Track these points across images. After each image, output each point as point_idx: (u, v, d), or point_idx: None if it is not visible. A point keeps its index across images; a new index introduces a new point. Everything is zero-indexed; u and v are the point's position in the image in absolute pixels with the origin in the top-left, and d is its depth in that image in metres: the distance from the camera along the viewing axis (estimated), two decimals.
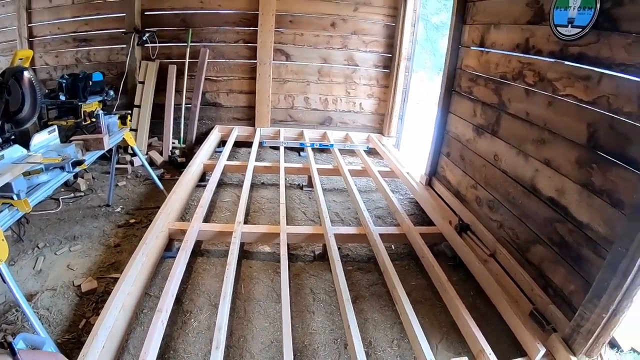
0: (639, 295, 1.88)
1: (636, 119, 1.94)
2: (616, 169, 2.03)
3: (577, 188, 2.27)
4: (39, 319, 2.31)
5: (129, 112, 3.96)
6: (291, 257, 3.19)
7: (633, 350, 2.48)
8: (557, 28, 2.42)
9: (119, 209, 3.90)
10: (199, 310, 2.60)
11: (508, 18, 3.01)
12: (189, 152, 5.43)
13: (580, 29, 2.25)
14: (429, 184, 4.26)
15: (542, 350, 2.15)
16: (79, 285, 2.77)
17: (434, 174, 4.24)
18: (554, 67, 2.51)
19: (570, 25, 2.32)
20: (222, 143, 5.67)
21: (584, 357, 2.11)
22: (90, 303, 2.63)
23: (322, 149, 5.87)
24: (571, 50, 2.36)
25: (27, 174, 2.33)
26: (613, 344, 2.46)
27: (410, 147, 6.50)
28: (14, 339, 1.86)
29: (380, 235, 3.23)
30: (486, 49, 3.31)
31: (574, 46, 2.33)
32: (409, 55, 5.77)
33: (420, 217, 4.03)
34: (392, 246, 3.48)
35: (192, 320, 2.51)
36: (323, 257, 3.24)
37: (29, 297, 2.61)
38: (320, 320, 2.59)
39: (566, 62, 2.41)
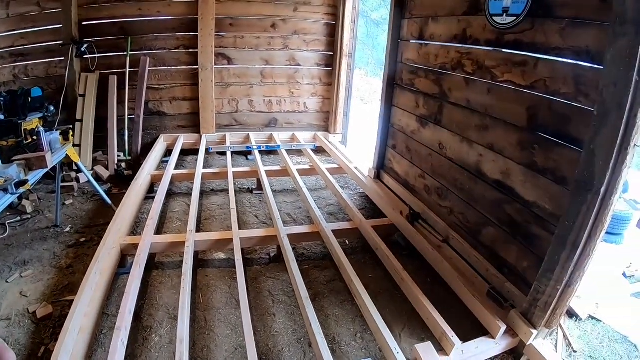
0: (589, 265, 1.97)
1: (573, 99, 2.03)
2: (557, 148, 2.12)
3: (522, 169, 2.36)
4: None
5: (71, 127, 3.76)
6: (247, 262, 3.13)
7: (591, 317, 2.61)
8: (493, 17, 2.51)
9: (68, 229, 3.68)
10: (159, 324, 2.50)
11: (445, 10, 3.10)
12: (135, 164, 5.19)
13: (515, 17, 2.33)
14: (378, 177, 4.32)
15: (503, 327, 2.22)
16: (34, 312, 2.59)
17: (381, 167, 4.30)
18: (491, 55, 2.60)
19: (505, 14, 2.41)
20: (169, 152, 5.48)
21: (544, 329, 2.19)
22: (47, 329, 2.47)
23: (270, 151, 5.81)
24: (507, 38, 2.45)
25: None
26: (572, 314, 2.58)
27: (357, 142, 6.56)
28: None
29: (333, 231, 3.23)
30: (425, 42, 3.39)
31: (510, 34, 2.42)
32: (350, 52, 5.82)
33: (372, 210, 4.07)
34: (346, 241, 3.49)
35: (153, 335, 2.41)
36: (278, 259, 3.20)
37: None
38: (282, 322, 2.55)
39: (503, 50, 2.51)
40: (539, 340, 2.21)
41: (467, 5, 2.81)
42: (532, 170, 2.29)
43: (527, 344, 2.21)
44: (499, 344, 2.23)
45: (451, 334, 2.17)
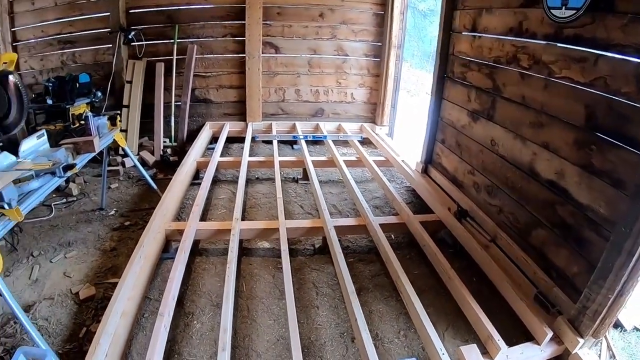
0: None
1: (634, 99, 1.93)
2: (616, 149, 2.03)
3: (577, 170, 2.27)
4: (38, 330, 2.27)
5: (118, 112, 3.90)
6: (291, 252, 3.14)
7: (636, 329, 2.50)
8: (551, 10, 2.40)
9: (112, 212, 3.85)
10: (201, 311, 2.58)
11: (500, 2, 2.99)
12: (180, 151, 5.37)
13: (575, 11, 2.23)
14: (425, 171, 4.26)
15: (550, 334, 2.16)
16: (77, 293, 2.72)
17: (429, 162, 4.23)
18: (548, 50, 2.50)
19: (564, 7, 2.30)
20: (214, 139, 5.63)
21: (590, 339, 2.12)
22: (89, 310, 2.59)
23: (316, 141, 5.84)
24: (566, 33, 2.35)
25: (17, 181, 2.27)
26: (617, 324, 2.48)
27: (404, 135, 6.48)
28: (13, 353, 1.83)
29: (380, 225, 3.22)
30: (478, 34, 3.29)
31: (569, 28, 2.32)
32: (399, 43, 5.73)
33: (418, 205, 4.03)
34: (392, 235, 3.48)
35: (195, 322, 2.49)
36: (323, 250, 3.23)
37: (27, 308, 2.57)
38: (325, 315, 2.58)
39: (561, 45, 2.40)
40: (584, 350, 2.14)
41: None
42: (587, 172, 2.20)
43: (572, 352, 2.15)
44: (544, 350, 2.18)
45: (497, 337, 2.13)
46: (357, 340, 2.25)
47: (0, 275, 1.98)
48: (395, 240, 3.44)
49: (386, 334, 2.44)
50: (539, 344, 2.19)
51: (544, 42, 2.54)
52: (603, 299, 1.98)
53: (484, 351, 2.17)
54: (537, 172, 2.60)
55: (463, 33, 3.54)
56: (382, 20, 5.70)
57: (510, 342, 2.20)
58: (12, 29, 5.53)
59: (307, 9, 5.60)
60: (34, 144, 2.71)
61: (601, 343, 2.30)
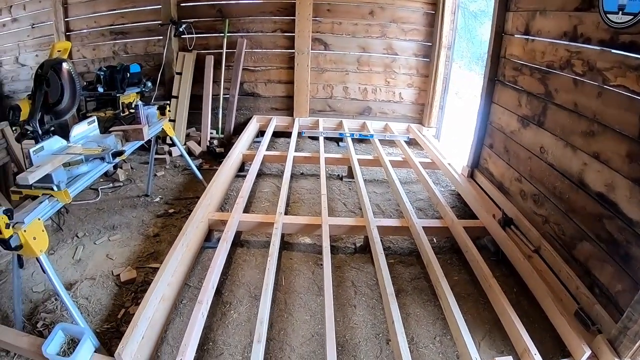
0: None
1: None
2: None
3: (628, 183, 2.19)
4: (78, 308, 2.35)
5: (168, 102, 4.02)
6: (332, 249, 3.16)
7: None
8: (607, 15, 2.31)
9: (157, 199, 3.99)
10: (238, 301, 2.64)
11: (554, 4, 2.90)
12: (227, 143, 5.52)
13: (632, 16, 2.14)
14: (471, 176, 4.19)
15: (588, 352, 2.10)
16: (118, 275, 2.83)
17: (476, 166, 4.16)
18: (603, 56, 2.41)
19: (621, 12, 2.22)
20: (261, 133, 5.76)
21: None
22: (129, 293, 2.70)
23: (362, 140, 5.85)
24: (622, 39, 2.26)
25: (67, 165, 2.36)
26: None
27: (451, 138, 6.38)
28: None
29: (424, 227, 3.20)
30: (531, 37, 3.20)
31: (625, 34, 2.23)
32: (449, 43, 5.63)
33: (462, 209, 3.97)
34: (434, 239, 3.46)
35: (232, 311, 2.56)
36: (364, 250, 3.25)
37: (69, 286, 2.69)
38: (361, 314, 2.60)
39: (617, 51, 2.31)
40: None
41: (580, 0, 2.62)
42: (639, 186, 2.12)
43: None
44: None
45: (534, 351, 2.09)
46: (392, 343, 2.26)
47: (44, 254, 2.06)
48: (437, 244, 3.42)
49: (421, 338, 2.44)
50: None
51: (599, 48, 2.45)
52: None
53: None
54: (587, 183, 2.52)
55: (515, 35, 3.45)
56: (433, 20, 5.61)
57: (547, 358, 2.15)
58: (66, 19, 5.87)
59: (357, 6, 5.60)
60: (84, 130, 2.80)
61: None
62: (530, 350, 2.11)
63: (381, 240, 3.07)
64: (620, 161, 2.26)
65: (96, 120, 2.95)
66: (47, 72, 2.86)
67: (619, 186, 2.25)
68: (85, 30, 5.92)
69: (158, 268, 2.52)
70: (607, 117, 2.38)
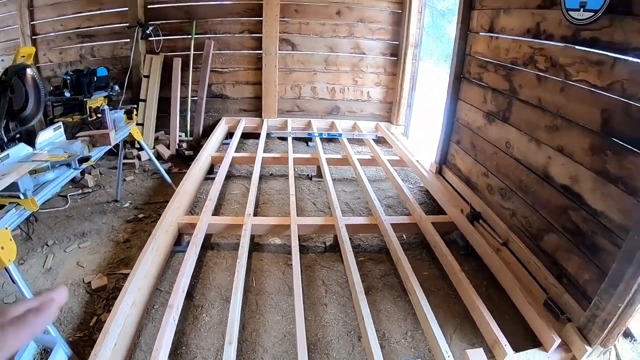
0: None
1: None
2: (632, 156, 1.99)
3: (592, 175, 2.24)
4: None
5: (135, 106, 3.96)
6: (302, 249, 3.18)
7: None
8: (569, 12, 2.36)
9: (127, 204, 3.91)
10: (210, 304, 2.61)
11: (518, 2, 2.95)
12: (196, 145, 5.44)
13: (593, 13, 2.19)
14: (439, 172, 4.23)
15: (557, 341, 2.14)
16: (89, 282, 2.77)
17: (444, 162, 4.21)
18: (566, 52, 2.46)
19: (582, 9, 2.27)
20: (230, 135, 5.67)
21: (598, 347, 2.09)
22: (100, 300, 2.64)
23: (330, 139, 5.85)
24: (583, 35, 2.31)
25: (33, 172, 2.31)
26: (627, 333, 2.42)
27: (419, 135, 6.45)
28: None
29: (392, 224, 3.20)
30: (496, 35, 3.25)
31: (587, 30, 2.28)
32: (416, 42, 5.69)
33: (431, 205, 4.01)
34: (404, 236, 3.47)
35: (204, 314, 2.52)
36: (334, 248, 3.23)
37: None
38: (333, 312, 2.59)
39: (579, 47, 2.36)
40: (591, 359, 2.11)
41: None
42: (602, 178, 2.16)
43: None
44: (551, 357, 2.15)
45: (504, 342, 2.11)
46: (363, 340, 2.25)
47: (13, 264, 2.01)
48: (407, 241, 3.44)
49: (393, 334, 2.43)
50: (546, 351, 2.17)
51: (562, 44, 2.50)
52: (613, 308, 1.95)
53: (491, 356, 2.16)
54: (552, 177, 2.57)
55: (480, 33, 3.51)
56: (400, 19, 5.67)
57: (518, 348, 2.17)
58: (32, 23, 5.67)
59: (325, 6, 5.60)
60: (50, 136, 2.76)
61: (610, 352, 2.26)
62: (500, 341, 2.12)
63: (351, 238, 3.07)
64: (584, 154, 2.31)
65: (62, 126, 2.90)
66: (11, 79, 2.79)
67: (583, 178, 2.30)
68: (51, 34, 5.73)
69: (129, 274, 2.46)
70: (570, 111, 2.43)
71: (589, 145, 2.27)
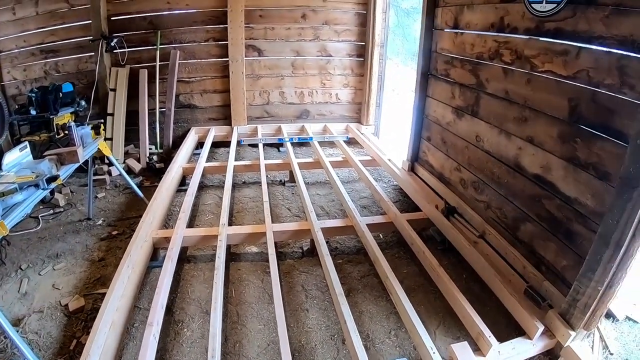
0: (632, 266, 1.89)
1: (617, 90, 1.94)
2: (600, 141, 2.03)
3: (562, 163, 2.27)
4: (29, 344, 2.24)
5: (102, 121, 3.83)
6: (279, 255, 3.14)
7: (628, 318, 2.50)
8: (532, 5, 2.40)
9: (100, 222, 3.78)
10: (190, 318, 2.54)
11: None
12: (167, 157, 5.31)
13: (556, 4, 2.23)
14: (412, 169, 4.25)
15: (541, 328, 2.16)
16: (66, 305, 2.66)
17: (416, 159, 4.23)
18: (530, 44, 2.50)
19: (544, 2, 2.31)
20: (200, 145, 5.57)
21: (582, 331, 2.12)
22: (79, 322, 2.53)
23: (302, 143, 5.80)
24: (547, 26, 2.35)
25: (0, 195, 2.24)
26: (608, 314, 2.48)
27: (390, 134, 6.49)
28: None
29: (368, 225, 3.20)
30: (461, 31, 3.29)
31: (550, 22, 2.32)
32: (382, 42, 5.73)
33: (406, 203, 4.02)
34: (381, 235, 3.46)
35: (185, 329, 2.45)
36: (312, 253, 3.20)
37: (17, 322, 2.51)
38: (315, 317, 2.55)
39: (543, 39, 2.40)
40: (576, 342, 2.14)
41: None
42: (573, 165, 2.20)
43: (565, 345, 2.14)
44: (536, 345, 2.17)
45: (488, 334, 2.12)
46: (347, 342, 2.22)
47: None
48: (384, 240, 3.43)
49: (377, 334, 2.41)
50: (530, 339, 2.18)
51: (526, 37, 2.54)
52: (593, 291, 1.98)
53: (476, 348, 2.16)
54: (523, 167, 2.60)
55: (445, 30, 3.54)
56: (365, 20, 5.69)
57: (502, 338, 2.18)
58: None
59: (290, 10, 5.57)
60: (16, 157, 2.68)
61: (593, 334, 2.30)
62: (484, 333, 2.13)
63: (327, 241, 3.05)
64: (553, 142, 2.34)
65: (28, 146, 2.82)
66: None
67: (554, 166, 2.34)
68: (15, 50, 5.47)
69: (106, 293, 2.37)
70: (538, 102, 2.47)
71: (558, 134, 2.31)
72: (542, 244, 2.45)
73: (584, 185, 2.13)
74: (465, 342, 2.10)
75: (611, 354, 2.26)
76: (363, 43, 5.83)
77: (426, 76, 3.89)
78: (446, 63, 3.53)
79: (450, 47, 3.46)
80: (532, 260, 2.53)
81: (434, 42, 3.74)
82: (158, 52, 5.40)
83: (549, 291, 2.33)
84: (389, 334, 2.41)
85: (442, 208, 3.36)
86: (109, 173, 4.75)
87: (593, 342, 2.28)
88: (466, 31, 3.22)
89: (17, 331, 2.30)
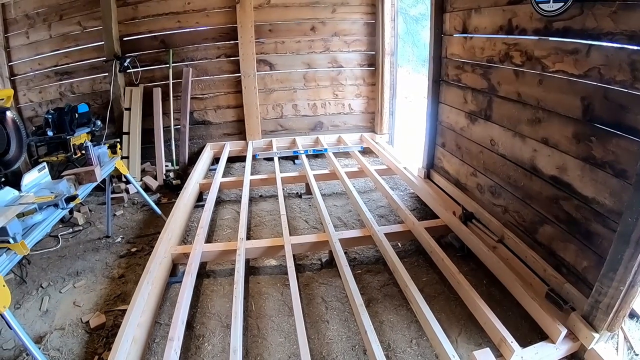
0: None
1: (629, 86, 1.91)
2: (616, 139, 2.00)
3: (579, 163, 2.24)
4: None
5: (118, 140, 3.92)
6: (298, 268, 3.14)
7: None
8: (539, 5, 2.39)
9: (119, 239, 3.84)
10: (211, 333, 2.55)
11: (487, 1, 2.99)
12: (183, 174, 5.39)
13: (563, 3, 2.22)
14: (428, 176, 4.23)
15: (564, 331, 2.11)
16: (87, 322, 2.70)
17: (431, 166, 4.21)
18: (540, 45, 2.49)
19: (552, 1, 2.29)
20: (216, 160, 5.65)
21: (605, 332, 2.07)
22: (100, 338, 2.57)
23: (317, 155, 5.82)
24: (556, 26, 2.34)
25: (21, 215, 2.28)
26: (632, 314, 2.42)
27: (405, 142, 6.47)
28: None
29: (386, 234, 3.18)
30: (469, 35, 3.29)
31: (558, 21, 2.31)
32: (392, 50, 5.75)
33: (423, 211, 3.99)
34: (399, 244, 3.44)
35: (206, 344, 2.46)
36: (330, 264, 3.19)
37: (38, 339, 2.55)
38: (335, 329, 2.54)
39: (552, 38, 2.39)
40: (600, 344, 2.09)
41: None
42: (589, 164, 2.17)
43: (589, 348, 2.09)
44: (559, 348, 2.13)
45: (510, 339, 2.08)
46: (368, 353, 2.20)
47: (8, 310, 1.97)
48: (402, 249, 3.41)
49: (398, 343, 2.39)
50: (553, 343, 2.14)
51: (535, 38, 2.53)
52: (615, 292, 1.94)
53: (498, 354, 2.12)
54: (539, 169, 2.57)
55: (454, 35, 3.54)
56: (374, 29, 5.72)
57: (525, 343, 2.15)
58: (9, 64, 5.61)
59: (299, 24, 5.63)
60: (35, 177, 2.73)
61: (617, 335, 2.25)
62: (506, 339, 2.10)
63: (346, 252, 3.05)
64: (568, 143, 2.32)
65: (46, 166, 2.87)
66: None
67: (571, 167, 2.31)
68: (30, 73, 5.67)
69: (127, 310, 2.39)
70: (551, 102, 2.44)
71: (572, 134, 2.28)
72: (561, 245, 2.41)
73: (601, 184, 2.10)
74: (488, 349, 2.06)
75: (636, 355, 2.20)
76: (373, 52, 5.86)
77: (438, 82, 3.89)
78: (457, 68, 3.53)
79: (460, 52, 3.46)
80: (552, 263, 2.49)
81: (443, 47, 3.75)
82: (171, 70, 5.50)
83: (571, 293, 2.29)
84: (410, 343, 2.39)
85: (459, 214, 3.33)
86: (127, 191, 4.83)
87: (617, 344, 2.22)
88: (475, 35, 3.21)
89: (39, 348, 2.35)
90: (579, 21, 2.17)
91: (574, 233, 2.30)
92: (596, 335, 2.06)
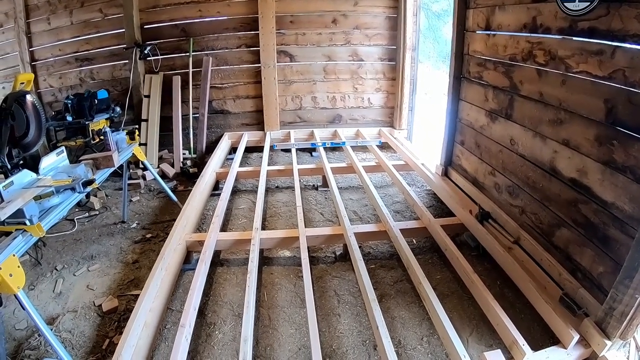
0: None
1: None
2: (638, 144, 1.96)
3: (599, 167, 2.21)
4: (62, 342, 2.33)
5: (137, 126, 3.96)
6: (312, 260, 3.16)
7: None
8: (564, 4, 2.35)
9: (134, 225, 3.91)
10: (222, 321, 2.59)
11: None
12: (200, 162, 5.44)
13: (589, 3, 2.17)
14: (445, 174, 4.20)
15: (576, 337, 2.09)
16: (100, 305, 2.76)
17: (449, 164, 4.18)
18: (564, 45, 2.44)
19: (577, 0, 2.25)
20: (233, 150, 5.70)
21: (618, 340, 2.04)
22: (112, 322, 2.63)
23: (334, 148, 5.83)
24: (581, 26, 2.29)
25: (38, 198, 2.32)
26: None
27: (423, 138, 6.43)
28: None
29: (401, 230, 3.17)
30: (492, 32, 3.24)
31: (584, 21, 2.26)
32: (413, 45, 5.70)
33: (440, 208, 3.98)
34: (414, 240, 3.44)
35: (217, 332, 2.50)
36: (344, 257, 3.21)
37: (51, 321, 2.62)
38: (347, 323, 2.56)
39: (577, 38, 2.34)
40: (612, 352, 2.06)
41: None
42: (610, 168, 2.13)
43: (600, 355, 2.07)
44: (571, 354, 2.10)
45: (522, 342, 2.07)
46: (379, 348, 2.22)
47: (22, 290, 2.01)
48: (417, 245, 3.40)
49: (409, 340, 2.40)
50: (565, 348, 2.12)
51: (559, 37, 2.48)
52: (630, 299, 1.91)
53: (509, 356, 2.12)
54: (559, 171, 2.54)
55: (477, 32, 3.49)
56: (396, 24, 5.68)
57: (536, 347, 2.13)
58: (30, 49, 5.74)
59: (320, 15, 5.63)
60: (53, 161, 2.77)
61: (629, 344, 2.21)
62: (518, 341, 2.08)
63: (360, 246, 3.05)
64: (590, 145, 2.28)
65: (65, 151, 2.91)
66: (12, 106, 2.77)
67: (591, 170, 2.27)
68: (50, 59, 5.80)
69: (139, 295, 2.44)
70: (573, 103, 2.40)
71: (594, 137, 2.24)
72: (578, 249, 2.38)
73: (621, 189, 2.06)
74: (499, 350, 2.06)
75: None
76: (394, 47, 5.81)
77: (459, 79, 3.84)
78: (479, 65, 3.48)
79: (483, 49, 3.41)
80: (567, 267, 2.46)
81: (465, 44, 3.70)
82: (191, 59, 5.56)
83: (585, 299, 2.26)
84: (421, 341, 2.39)
85: (476, 213, 3.31)
86: (144, 177, 4.91)
87: (629, 352, 2.19)
88: (498, 32, 3.16)
89: (51, 329, 2.41)
90: (604, 21, 2.12)
91: (591, 238, 2.27)
92: (608, 343, 2.03)
